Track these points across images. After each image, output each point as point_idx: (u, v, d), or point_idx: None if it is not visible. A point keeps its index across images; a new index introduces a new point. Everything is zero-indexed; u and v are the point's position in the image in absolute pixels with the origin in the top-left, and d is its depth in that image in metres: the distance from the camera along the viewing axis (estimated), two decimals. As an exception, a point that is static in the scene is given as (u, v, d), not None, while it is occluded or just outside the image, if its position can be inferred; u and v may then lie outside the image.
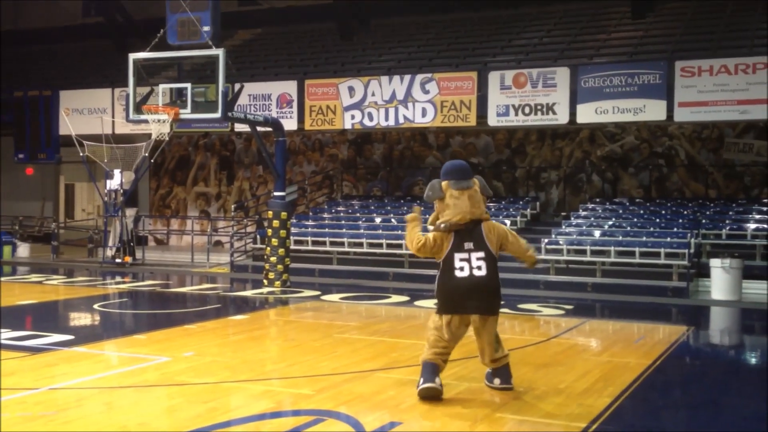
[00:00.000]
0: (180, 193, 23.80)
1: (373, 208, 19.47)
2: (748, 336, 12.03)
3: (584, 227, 16.61)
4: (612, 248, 15.31)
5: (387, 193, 21.17)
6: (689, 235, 15.02)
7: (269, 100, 19.49)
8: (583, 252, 15.54)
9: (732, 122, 17.11)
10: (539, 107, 17.03)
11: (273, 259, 15.18)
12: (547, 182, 19.71)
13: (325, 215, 19.50)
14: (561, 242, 15.76)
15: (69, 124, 19.36)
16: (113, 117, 20.20)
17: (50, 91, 22.13)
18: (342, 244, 17.47)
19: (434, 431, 5.83)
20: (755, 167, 17.87)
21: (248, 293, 14.46)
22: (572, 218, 17.36)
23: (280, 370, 7.76)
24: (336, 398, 6.46)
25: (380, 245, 17.09)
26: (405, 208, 18.99)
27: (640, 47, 18.38)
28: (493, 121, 17.55)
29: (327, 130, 20.15)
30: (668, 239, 15.20)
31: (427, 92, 17.93)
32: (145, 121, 14.49)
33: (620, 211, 17.36)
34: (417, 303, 12.86)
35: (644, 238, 15.46)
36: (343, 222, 18.74)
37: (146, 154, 18.11)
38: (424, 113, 17.95)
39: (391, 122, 18.35)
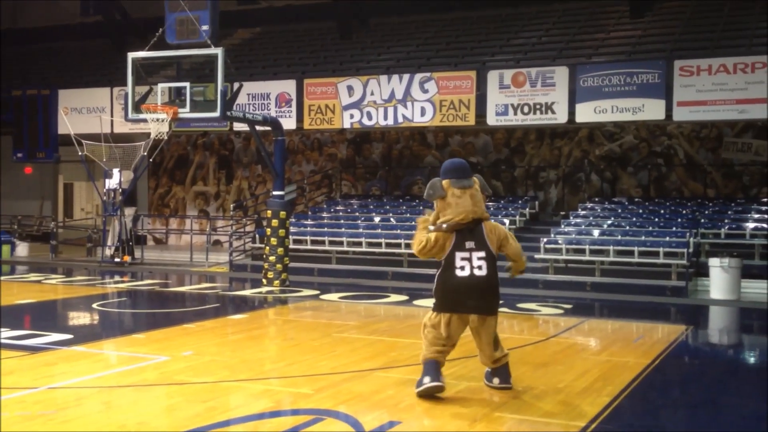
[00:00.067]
0: (179, 192, 23.80)
1: (372, 207, 19.46)
2: (747, 335, 12.04)
3: (583, 226, 16.61)
4: (611, 247, 15.32)
5: (386, 193, 21.16)
6: (688, 234, 15.03)
7: (268, 99, 19.48)
8: (582, 251, 15.55)
9: (731, 122, 17.12)
10: (538, 106, 17.03)
11: (272, 258, 15.18)
12: (546, 181, 19.71)
13: (324, 214, 19.50)
14: (560, 241, 15.77)
15: (68, 123, 19.31)
16: (112, 116, 20.15)
17: (49, 90, 22.10)
18: (341, 243, 17.46)
19: (433, 430, 5.83)
20: (754, 167, 17.88)
21: (247, 292, 14.45)
22: (571, 217, 17.37)
23: (279, 370, 7.75)
24: (335, 397, 6.46)
25: (379, 244, 17.08)
26: (404, 208, 19.00)
27: (638, 46, 18.38)
28: (491, 120, 17.55)
29: (326, 130, 20.15)
30: (667, 238, 15.20)
31: (426, 91, 17.92)
32: (144, 121, 14.50)
33: (619, 211, 17.36)
34: (416, 302, 12.86)
35: (643, 238, 15.46)
36: (342, 221, 18.74)
37: (145, 154, 18.09)
38: (423, 112, 17.95)
39: (390, 121, 18.34)
